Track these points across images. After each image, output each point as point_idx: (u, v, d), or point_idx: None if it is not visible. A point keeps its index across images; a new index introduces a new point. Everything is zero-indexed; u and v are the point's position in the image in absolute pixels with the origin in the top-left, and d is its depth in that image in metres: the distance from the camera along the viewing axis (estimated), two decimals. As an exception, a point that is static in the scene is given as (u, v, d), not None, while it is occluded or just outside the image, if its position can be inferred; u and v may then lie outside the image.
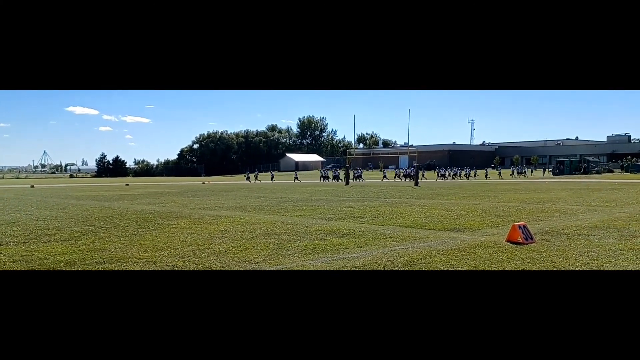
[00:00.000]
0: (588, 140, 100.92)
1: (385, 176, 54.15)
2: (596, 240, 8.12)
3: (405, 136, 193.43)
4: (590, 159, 66.77)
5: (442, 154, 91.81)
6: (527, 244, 7.71)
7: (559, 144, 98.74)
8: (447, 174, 55.96)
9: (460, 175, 56.75)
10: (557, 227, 9.95)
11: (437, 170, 58.64)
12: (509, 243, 7.87)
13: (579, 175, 54.87)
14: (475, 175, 57.24)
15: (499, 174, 58.65)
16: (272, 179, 53.94)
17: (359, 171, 53.76)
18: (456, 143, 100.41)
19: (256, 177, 53.04)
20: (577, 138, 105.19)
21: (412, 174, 54.70)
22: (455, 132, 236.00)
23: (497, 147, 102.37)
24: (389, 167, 71.78)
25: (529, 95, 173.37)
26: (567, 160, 64.06)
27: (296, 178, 52.87)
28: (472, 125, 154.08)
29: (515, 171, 57.92)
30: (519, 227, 8.00)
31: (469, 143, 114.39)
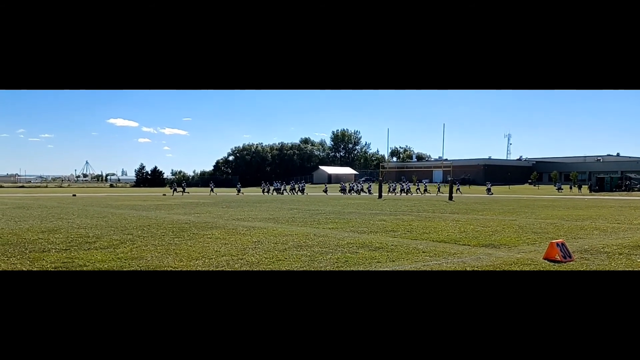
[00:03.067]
0: (630, 157, 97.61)
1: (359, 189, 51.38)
2: (638, 260, 7.85)
3: (440, 150, 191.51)
4: (632, 175, 64.45)
5: (477, 168, 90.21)
6: (565, 262, 7.52)
7: (599, 159, 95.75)
8: (398, 189, 52.41)
9: (409, 190, 52.56)
10: (596, 245, 9.67)
11: (388, 184, 55.48)
12: (546, 261, 7.69)
13: (619, 193, 53.05)
14: (425, 191, 52.40)
15: (458, 189, 51.01)
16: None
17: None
18: (492, 157, 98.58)
19: (184, 190, 51.51)
20: (618, 154, 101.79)
21: (367, 188, 51.85)
22: (491, 146, 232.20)
23: (534, 162, 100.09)
24: (422, 180, 70.68)
25: (567, 110, 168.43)
26: (608, 176, 62.01)
27: (239, 191, 52.19)
28: (508, 139, 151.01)
29: (488, 186, 52.64)
30: (557, 244, 7.81)
31: (505, 158, 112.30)
